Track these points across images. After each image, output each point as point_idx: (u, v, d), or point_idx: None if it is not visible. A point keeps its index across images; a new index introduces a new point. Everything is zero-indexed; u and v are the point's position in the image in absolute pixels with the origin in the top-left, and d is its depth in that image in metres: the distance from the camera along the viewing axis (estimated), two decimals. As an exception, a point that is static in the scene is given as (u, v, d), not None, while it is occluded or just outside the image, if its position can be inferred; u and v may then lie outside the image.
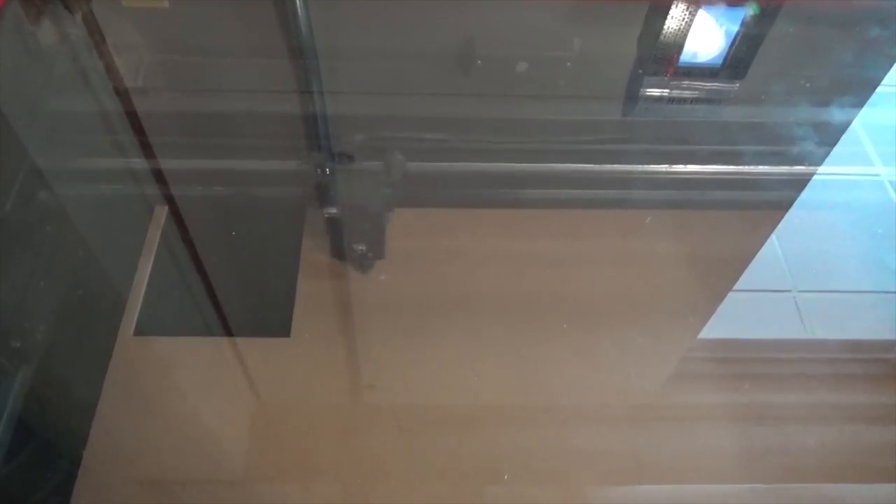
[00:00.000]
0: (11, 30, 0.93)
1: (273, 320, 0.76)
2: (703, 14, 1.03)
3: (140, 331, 0.74)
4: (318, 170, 0.86)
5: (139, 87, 0.93)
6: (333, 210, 0.82)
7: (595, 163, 0.91)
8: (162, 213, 0.83)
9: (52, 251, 0.78)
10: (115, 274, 0.78)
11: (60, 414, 0.71)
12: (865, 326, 0.79)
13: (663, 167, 0.90)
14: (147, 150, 0.87)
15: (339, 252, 0.81)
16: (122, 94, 0.92)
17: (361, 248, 0.80)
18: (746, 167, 0.91)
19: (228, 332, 0.77)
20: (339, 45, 1.01)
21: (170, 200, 0.84)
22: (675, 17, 1.01)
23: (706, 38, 1.01)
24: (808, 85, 0.99)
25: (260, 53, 0.99)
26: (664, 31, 1.00)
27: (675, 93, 0.97)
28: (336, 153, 0.88)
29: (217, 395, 0.71)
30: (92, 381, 0.70)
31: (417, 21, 1.04)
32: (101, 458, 0.65)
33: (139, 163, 0.87)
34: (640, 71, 0.98)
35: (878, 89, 0.99)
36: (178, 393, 0.72)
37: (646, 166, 0.91)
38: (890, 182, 0.92)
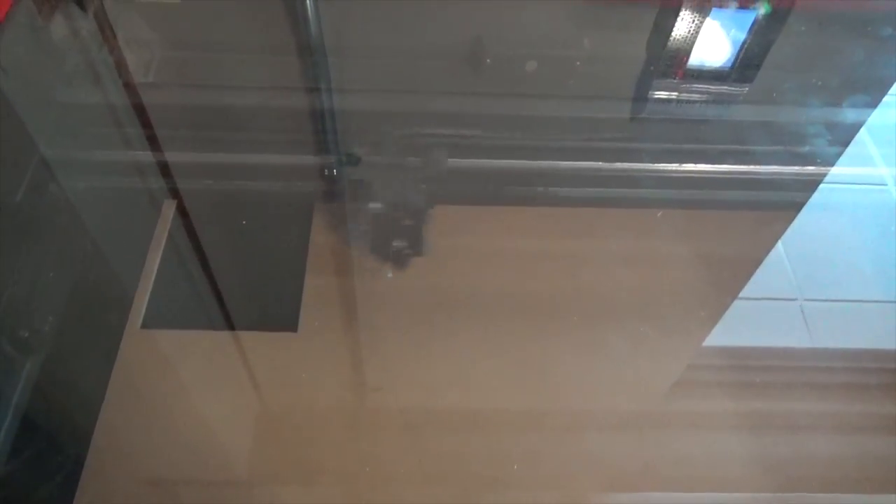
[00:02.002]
0: (24, 25, 0.93)
1: (281, 315, 0.76)
2: (712, 17, 1.03)
3: (148, 323, 0.74)
4: (326, 168, 0.87)
5: (150, 82, 0.93)
6: (373, 205, 0.82)
7: (603, 161, 0.91)
8: (171, 206, 0.83)
9: (62, 243, 0.78)
10: (124, 266, 0.78)
11: (67, 406, 0.71)
12: (872, 336, 0.79)
13: (673, 166, 0.90)
14: (157, 144, 0.88)
15: (377, 248, 0.81)
16: (133, 90, 0.93)
17: (400, 244, 0.79)
18: (755, 167, 0.91)
19: (236, 326, 0.77)
20: (348, 42, 1.01)
21: (179, 194, 0.84)
22: (684, 20, 1.01)
23: (715, 42, 1.01)
24: (818, 87, 0.99)
25: (270, 50, 0.99)
26: (674, 34, 1.01)
27: (684, 95, 0.97)
28: (343, 151, 0.88)
29: (224, 389, 0.71)
30: (99, 373, 0.70)
31: (428, 19, 1.05)
32: (106, 453, 0.65)
33: (149, 157, 0.87)
34: (651, 67, 0.98)
35: (885, 98, 0.99)
36: (184, 386, 0.71)
37: (655, 165, 0.91)
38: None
